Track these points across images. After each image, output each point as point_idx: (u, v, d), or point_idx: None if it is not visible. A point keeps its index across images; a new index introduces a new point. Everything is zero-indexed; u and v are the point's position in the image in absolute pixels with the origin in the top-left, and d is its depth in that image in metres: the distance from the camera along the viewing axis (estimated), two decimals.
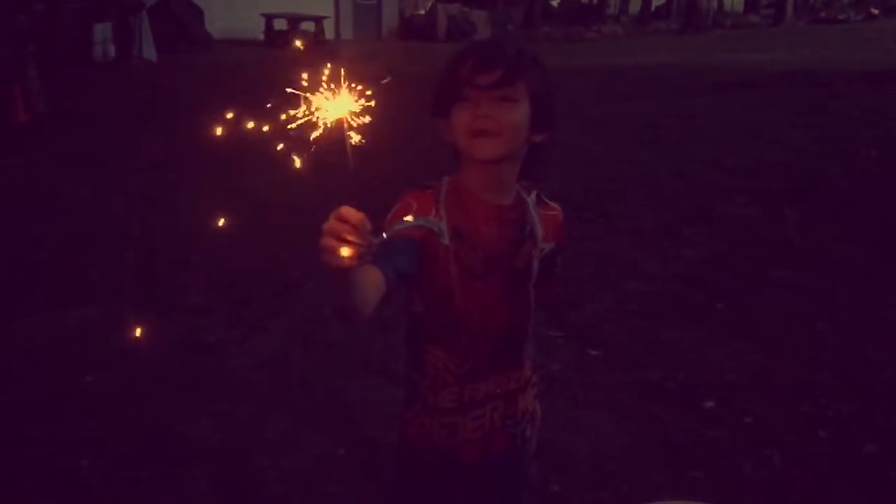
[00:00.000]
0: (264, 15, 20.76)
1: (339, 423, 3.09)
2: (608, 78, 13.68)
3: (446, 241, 1.42)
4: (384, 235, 1.09)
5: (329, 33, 22.26)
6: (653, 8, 37.16)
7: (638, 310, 4.17)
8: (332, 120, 1.05)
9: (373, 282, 1.23)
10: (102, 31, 15.22)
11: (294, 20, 20.60)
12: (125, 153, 7.98)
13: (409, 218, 1.38)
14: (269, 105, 1.06)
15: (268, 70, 15.65)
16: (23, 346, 3.72)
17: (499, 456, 1.60)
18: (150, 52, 15.84)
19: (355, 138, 1.08)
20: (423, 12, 25.13)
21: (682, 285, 4.49)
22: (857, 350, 3.67)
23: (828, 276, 4.57)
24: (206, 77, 14.28)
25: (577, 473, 2.76)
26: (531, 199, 1.56)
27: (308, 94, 1.07)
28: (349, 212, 1.02)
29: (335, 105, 1.05)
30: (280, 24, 20.76)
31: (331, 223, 1.02)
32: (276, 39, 20.47)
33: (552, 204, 1.60)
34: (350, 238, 1.01)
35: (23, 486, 2.69)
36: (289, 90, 1.06)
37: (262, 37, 20.75)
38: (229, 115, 1.03)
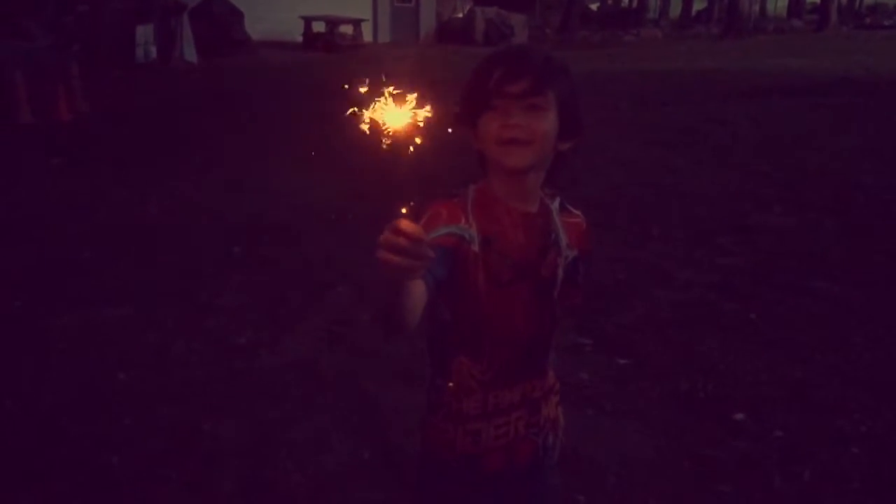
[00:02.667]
0: (303, 17, 20.99)
1: (366, 427, 3.11)
2: (646, 83, 13.57)
3: (476, 248, 1.42)
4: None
5: (367, 36, 22.43)
6: (693, 12, 36.88)
7: (669, 318, 4.13)
8: (395, 127, 1.05)
9: (420, 292, 1.24)
10: (144, 32, 15.51)
11: (332, 22, 20.79)
12: (165, 153, 8.12)
13: (441, 228, 1.39)
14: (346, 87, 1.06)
15: (307, 72, 15.88)
16: (60, 343, 3.80)
17: (522, 464, 1.60)
18: (190, 53, 16.11)
19: (412, 143, 1.06)
20: (460, 15, 25.22)
21: (715, 294, 4.44)
22: (892, 365, 3.60)
23: (865, 289, 4.48)
24: (246, 78, 14.47)
25: (603, 485, 2.74)
26: (555, 206, 1.56)
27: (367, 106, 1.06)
28: (406, 224, 1.02)
29: (395, 115, 1.05)
30: (318, 27, 20.96)
31: (387, 236, 1.02)
32: (314, 41, 20.70)
33: (575, 211, 1.60)
34: (407, 250, 1.01)
35: (55, 482, 2.74)
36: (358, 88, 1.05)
37: (300, 39, 20.98)
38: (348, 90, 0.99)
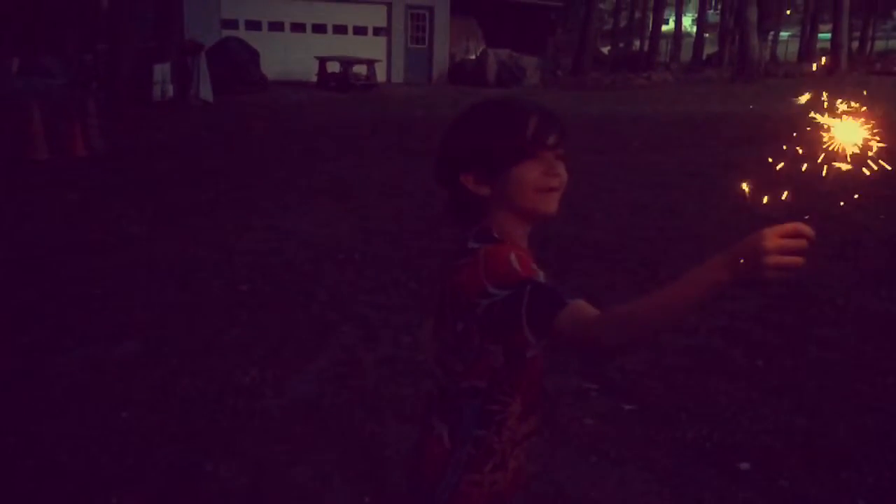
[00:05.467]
0: (318, 58, 21.31)
1: (368, 469, 3.09)
2: (656, 126, 13.66)
3: None
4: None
5: (381, 76, 22.73)
6: (704, 56, 37.20)
7: (676, 364, 4.10)
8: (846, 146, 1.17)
9: None
10: (162, 71, 15.79)
11: (347, 63, 21.10)
12: (177, 190, 8.21)
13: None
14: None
15: (320, 111, 16.07)
16: (65, 380, 3.81)
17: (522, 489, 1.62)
18: (206, 92, 16.36)
19: (844, 167, 1.17)
20: (473, 57, 25.51)
21: (722, 340, 4.41)
22: None
23: (872, 337, 4.45)
24: (261, 116, 14.66)
25: None
26: None
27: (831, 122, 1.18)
28: (803, 227, 1.11)
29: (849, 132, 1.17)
30: (333, 67, 21.27)
31: (788, 241, 1.11)
32: (328, 81, 21.00)
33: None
34: (803, 251, 1.11)
35: None
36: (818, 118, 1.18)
37: (314, 79, 21.28)
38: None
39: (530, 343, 1.32)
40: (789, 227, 1.11)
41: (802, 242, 1.11)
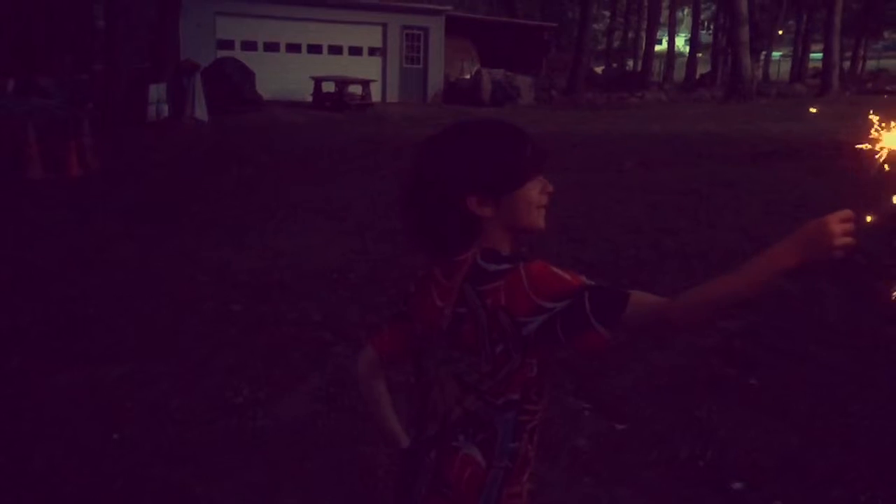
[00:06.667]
0: (313, 78, 21.41)
1: (361, 491, 3.08)
2: (649, 144, 13.72)
3: None
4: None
5: (376, 96, 22.83)
6: (697, 75, 37.45)
7: (669, 383, 4.11)
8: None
9: None
10: (157, 91, 15.83)
11: (342, 83, 21.19)
12: (172, 210, 8.22)
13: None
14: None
15: (316, 130, 16.12)
16: (57, 401, 3.80)
17: None
18: (202, 112, 16.41)
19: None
20: (468, 77, 25.65)
21: (714, 359, 4.42)
22: (891, 434, 3.56)
23: (865, 356, 4.45)
24: (255, 136, 14.70)
25: None
26: None
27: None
28: (852, 213, 1.32)
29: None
30: (328, 87, 21.36)
31: (845, 225, 1.31)
32: (324, 101, 21.08)
33: None
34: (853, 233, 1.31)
35: None
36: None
37: (310, 98, 21.36)
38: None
39: (606, 340, 1.39)
40: (846, 212, 1.31)
41: (852, 226, 1.31)
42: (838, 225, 1.30)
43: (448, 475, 1.54)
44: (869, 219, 1.37)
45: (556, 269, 1.44)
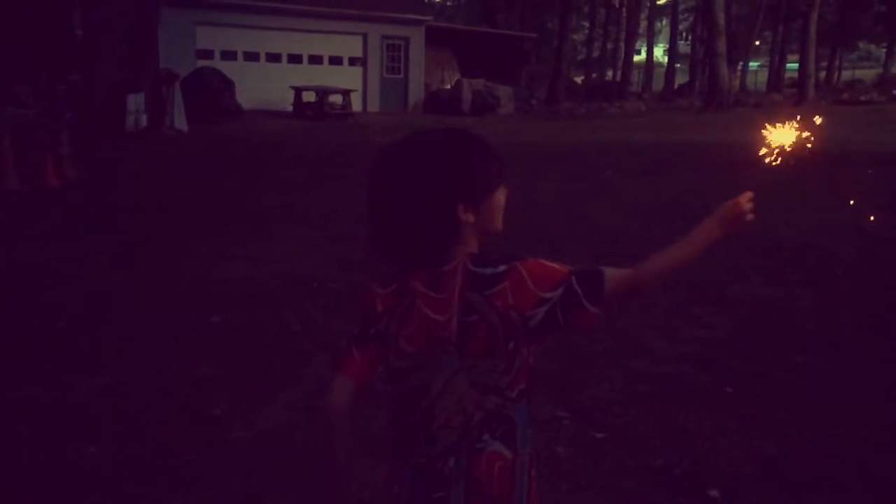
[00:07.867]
0: (294, 87, 21.38)
1: None
2: (628, 154, 13.81)
3: None
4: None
5: (356, 105, 22.85)
6: (676, 85, 37.80)
7: (646, 392, 4.12)
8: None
9: None
10: (136, 101, 15.75)
11: (322, 92, 21.19)
12: (150, 221, 8.16)
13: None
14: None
15: (296, 139, 16.07)
16: (30, 415, 3.75)
17: None
18: (181, 121, 16.34)
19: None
20: (448, 87, 25.73)
21: (692, 367, 4.44)
22: (872, 441, 3.59)
23: (843, 362, 4.49)
24: (235, 146, 14.65)
25: None
26: None
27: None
28: (752, 194, 1.65)
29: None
30: (309, 96, 21.35)
31: (748, 203, 1.63)
32: (304, 110, 21.06)
33: None
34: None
35: None
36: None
37: (290, 108, 21.33)
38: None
39: (597, 316, 1.56)
40: (749, 194, 1.64)
41: (752, 204, 1.64)
42: (746, 203, 1.62)
43: (479, 475, 1.57)
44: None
45: (547, 262, 1.58)
